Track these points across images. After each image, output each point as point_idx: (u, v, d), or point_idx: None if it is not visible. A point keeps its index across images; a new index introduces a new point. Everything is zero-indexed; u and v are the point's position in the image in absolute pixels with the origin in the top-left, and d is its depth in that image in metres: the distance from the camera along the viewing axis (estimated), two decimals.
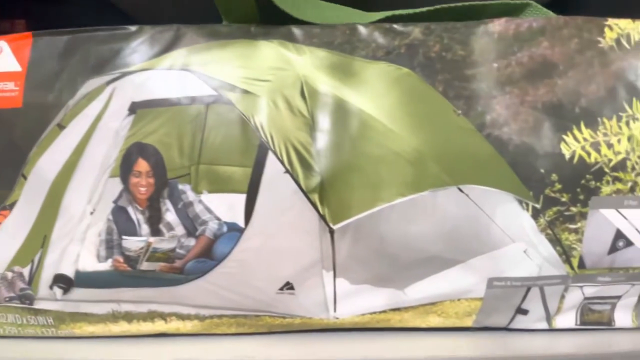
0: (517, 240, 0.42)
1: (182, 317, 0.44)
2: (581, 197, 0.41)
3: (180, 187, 0.42)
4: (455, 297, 0.44)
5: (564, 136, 0.41)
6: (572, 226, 0.42)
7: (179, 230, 0.42)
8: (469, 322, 0.45)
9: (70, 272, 0.43)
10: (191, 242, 0.42)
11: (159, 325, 0.45)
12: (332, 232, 0.41)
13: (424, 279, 0.43)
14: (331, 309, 0.44)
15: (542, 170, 0.41)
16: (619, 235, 0.42)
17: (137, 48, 0.43)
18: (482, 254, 0.42)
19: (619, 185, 0.41)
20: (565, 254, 0.42)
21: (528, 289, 0.44)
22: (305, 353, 0.44)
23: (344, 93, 0.42)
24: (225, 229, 0.42)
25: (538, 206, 0.41)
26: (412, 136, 0.41)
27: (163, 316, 0.44)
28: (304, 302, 0.43)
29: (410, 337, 0.46)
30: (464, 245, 0.42)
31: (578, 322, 0.46)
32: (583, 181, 0.41)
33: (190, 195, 0.42)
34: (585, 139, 0.41)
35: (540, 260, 0.42)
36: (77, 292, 0.44)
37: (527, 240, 0.42)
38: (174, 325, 0.45)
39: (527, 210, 0.41)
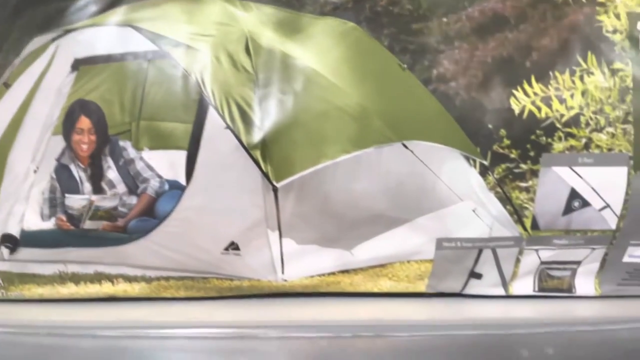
0: (465, 199, 0.41)
1: (128, 278, 0.44)
2: (531, 153, 0.40)
3: (122, 143, 0.41)
4: (404, 259, 0.43)
5: (514, 91, 0.40)
6: (523, 184, 0.40)
7: (121, 188, 0.41)
8: (422, 287, 0.44)
9: (16, 232, 0.43)
10: (133, 200, 0.41)
11: (107, 287, 0.44)
12: (275, 190, 0.40)
13: (371, 239, 0.42)
14: (279, 270, 0.43)
15: (490, 126, 0.40)
16: (574, 194, 0.41)
17: (83, 5, 0.42)
18: (429, 212, 0.41)
19: (572, 142, 0.40)
20: (517, 213, 0.41)
21: (480, 251, 0.42)
22: (253, 315, 0.43)
23: (290, 49, 0.41)
24: (166, 186, 0.41)
25: (486, 163, 0.40)
26: (355, 91, 0.40)
27: (110, 278, 0.44)
28: (250, 263, 0.43)
29: (362, 302, 0.44)
30: (410, 203, 0.41)
31: (536, 289, 0.45)
32: (533, 137, 0.40)
33: (131, 152, 0.41)
34: (535, 94, 0.40)
35: (490, 220, 0.41)
36: (24, 252, 0.43)
37: (476, 198, 0.41)
38: (121, 288, 0.44)
39: (475, 167, 0.40)
